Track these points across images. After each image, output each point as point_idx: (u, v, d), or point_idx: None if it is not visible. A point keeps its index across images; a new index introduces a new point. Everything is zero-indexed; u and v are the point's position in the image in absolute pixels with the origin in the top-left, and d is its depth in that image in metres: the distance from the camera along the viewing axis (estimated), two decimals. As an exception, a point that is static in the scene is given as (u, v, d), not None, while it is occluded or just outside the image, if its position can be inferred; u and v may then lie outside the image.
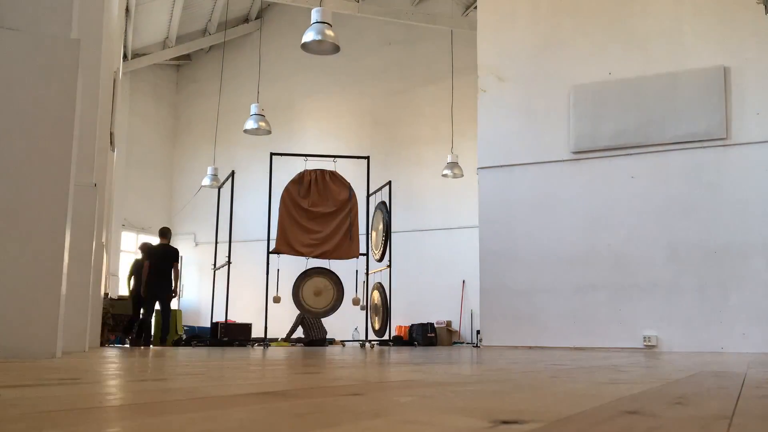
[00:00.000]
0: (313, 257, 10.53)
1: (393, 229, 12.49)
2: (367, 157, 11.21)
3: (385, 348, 10.87)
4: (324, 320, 11.75)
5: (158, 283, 10.77)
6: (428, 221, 16.66)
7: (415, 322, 15.68)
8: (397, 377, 2.48)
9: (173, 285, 10.94)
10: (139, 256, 11.97)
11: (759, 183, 9.54)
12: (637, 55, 10.45)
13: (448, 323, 16.14)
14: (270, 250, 10.42)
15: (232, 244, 11.32)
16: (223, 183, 12.62)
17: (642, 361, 4.76)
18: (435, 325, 15.70)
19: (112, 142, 10.17)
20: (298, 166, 11.07)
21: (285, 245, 10.34)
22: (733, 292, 9.44)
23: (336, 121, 18.37)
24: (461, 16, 16.70)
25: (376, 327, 11.89)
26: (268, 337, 10.41)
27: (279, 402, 1.44)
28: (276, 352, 7.05)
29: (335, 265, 10.95)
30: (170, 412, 1.25)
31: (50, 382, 1.97)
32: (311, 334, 12.25)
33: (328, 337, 14.62)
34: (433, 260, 16.38)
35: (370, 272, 11.20)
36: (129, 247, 18.66)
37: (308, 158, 10.97)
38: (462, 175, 14.59)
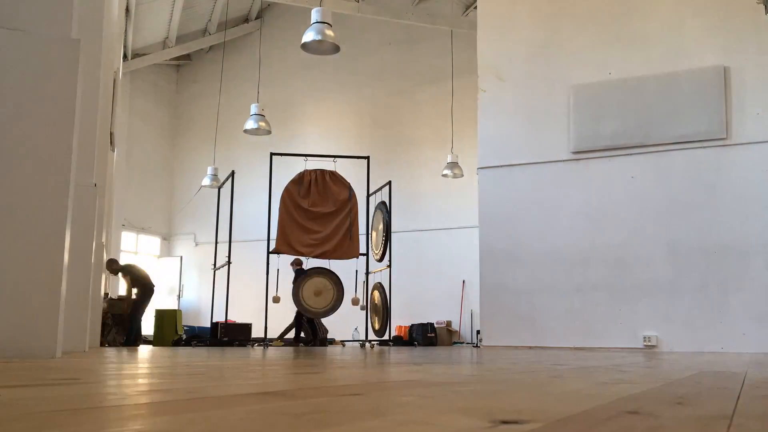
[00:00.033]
0: (313, 257, 10.53)
1: (393, 229, 12.49)
2: (367, 157, 11.21)
3: (385, 348, 10.87)
4: (324, 320, 11.75)
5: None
6: (428, 221, 16.66)
7: (415, 322, 15.68)
8: (397, 377, 2.48)
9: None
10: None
11: (759, 183, 9.54)
12: (637, 55, 10.45)
13: (448, 323, 16.14)
14: (270, 250, 10.42)
15: (232, 244, 11.32)
16: (223, 183, 12.62)
17: (642, 361, 4.76)
18: (435, 325, 15.70)
19: (112, 142, 10.17)
20: (298, 166, 11.07)
21: (285, 245, 10.34)
22: (733, 292, 9.44)
23: (336, 121, 18.37)
24: (461, 16, 16.70)
25: (376, 327, 11.89)
26: (268, 337, 10.41)
27: (279, 402, 1.44)
28: (276, 352, 7.05)
29: (335, 265, 10.95)
30: (170, 412, 1.25)
31: (50, 382, 1.97)
32: (319, 333, 12.22)
33: (328, 337, 14.62)
34: (433, 260, 16.38)
35: (370, 272, 11.20)
36: (129, 247, 18.67)
37: (308, 158, 10.97)
38: (462, 175, 14.59)
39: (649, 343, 9.73)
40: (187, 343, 11.93)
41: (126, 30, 15.67)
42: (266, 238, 10.71)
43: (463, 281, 15.90)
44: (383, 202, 11.88)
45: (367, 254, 11.04)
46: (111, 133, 9.64)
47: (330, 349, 10.05)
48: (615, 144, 10.36)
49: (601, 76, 10.60)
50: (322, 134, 18.32)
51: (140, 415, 1.19)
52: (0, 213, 4.03)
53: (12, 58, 4.21)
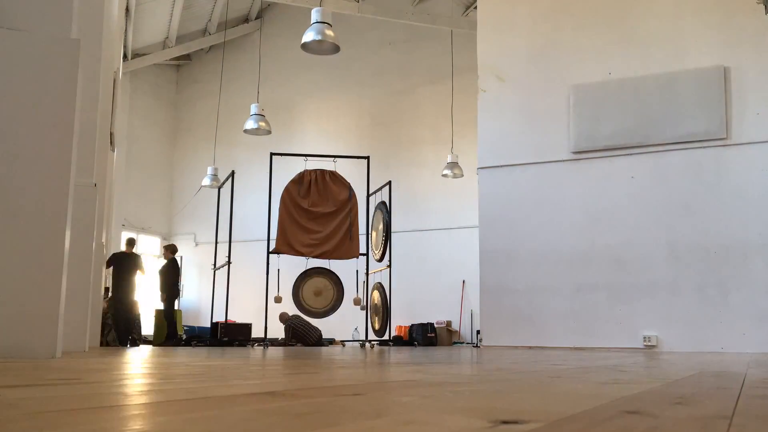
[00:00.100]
0: (313, 257, 10.53)
1: (393, 229, 12.49)
2: (367, 157, 11.21)
3: (385, 348, 10.87)
4: (324, 320, 11.73)
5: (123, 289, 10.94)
6: (428, 221, 16.65)
7: (415, 322, 15.68)
8: (398, 377, 2.48)
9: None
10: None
11: (759, 183, 9.54)
12: (637, 55, 10.45)
13: (448, 323, 16.14)
14: (270, 250, 10.42)
15: (232, 244, 11.32)
16: (223, 183, 12.62)
17: (642, 361, 4.76)
18: (435, 325, 15.70)
19: (112, 142, 10.17)
20: (298, 166, 11.06)
21: (285, 245, 10.34)
22: (733, 292, 9.44)
23: (336, 121, 18.36)
24: (461, 16, 16.70)
25: (376, 327, 11.89)
26: (268, 337, 10.41)
27: (279, 402, 1.44)
28: (276, 353, 7.06)
29: (335, 265, 10.94)
30: (170, 412, 1.25)
31: (50, 382, 1.97)
32: (307, 339, 12.20)
33: (328, 337, 14.60)
34: (433, 260, 16.38)
35: (370, 272, 11.20)
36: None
37: (308, 158, 10.97)
38: (462, 175, 14.59)
39: (649, 343, 9.73)
40: (187, 343, 11.93)
41: (126, 30, 15.67)
42: (266, 238, 10.70)
43: (463, 281, 15.90)
44: (383, 202, 11.88)
45: (367, 254, 11.04)
46: (111, 133, 9.65)
47: (330, 349, 10.05)
48: (615, 144, 10.36)
49: (601, 76, 10.60)
50: (322, 134, 18.32)
51: (140, 415, 1.19)
52: (0, 213, 4.03)
53: (12, 58, 4.21)
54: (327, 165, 10.91)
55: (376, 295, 11.93)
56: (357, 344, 12.91)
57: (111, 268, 11.01)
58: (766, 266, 9.33)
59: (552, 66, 10.97)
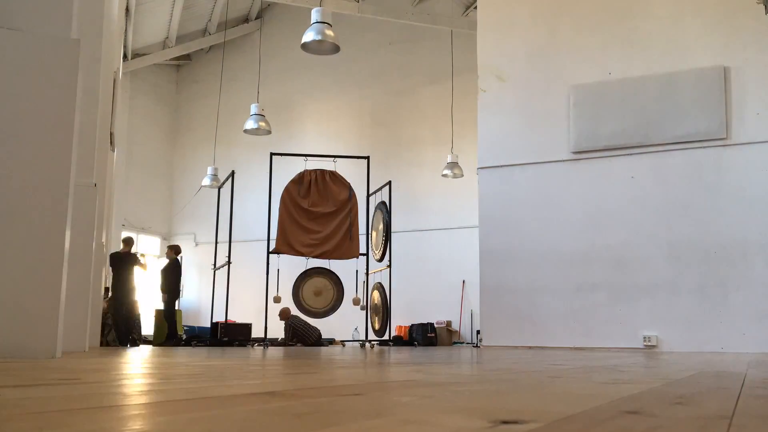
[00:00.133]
0: (313, 257, 10.53)
1: (393, 229, 12.49)
2: (367, 157, 11.20)
3: (385, 348, 10.86)
4: (324, 320, 11.73)
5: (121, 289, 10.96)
6: (428, 221, 16.65)
7: (415, 322, 15.68)
8: (397, 377, 2.48)
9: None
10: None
11: (759, 183, 9.54)
12: (637, 55, 10.45)
13: (448, 323, 16.14)
14: (270, 250, 10.42)
15: (232, 244, 11.32)
16: (223, 183, 12.62)
17: (642, 361, 4.76)
18: (435, 325, 15.70)
19: (112, 142, 10.17)
20: (298, 166, 11.06)
21: (285, 245, 10.34)
22: (733, 292, 9.44)
23: (336, 121, 18.36)
24: (461, 16, 16.70)
25: (376, 327, 11.89)
26: (268, 337, 10.40)
27: (279, 402, 1.44)
28: (276, 353, 7.06)
29: (335, 265, 10.94)
30: (170, 412, 1.25)
31: (50, 382, 1.97)
32: (306, 339, 12.20)
33: (328, 337, 14.59)
34: (433, 260, 16.38)
35: (370, 272, 11.20)
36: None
37: (308, 158, 10.97)
38: (462, 175, 14.59)
39: (649, 343, 9.73)
40: (187, 343, 11.93)
41: (126, 30, 15.67)
42: (266, 238, 10.70)
43: (463, 281, 15.90)
44: (383, 202, 11.88)
45: (367, 254, 11.04)
46: (111, 133, 9.65)
47: (330, 349, 10.05)
48: (615, 144, 10.36)
49: (601, 76, 10.60)
50: (322, 134, 18.32)
51: (140, 415, 1.19)
52: (0, 213, 4.03)
53: (12, 58, 4.21)
54: (327, 165, 10.91)
55: (376, 295, 11.93)
56: (357, 344, 12.90)
57: (110, 268, 11.02)
58: (766, 266, 9.33)
59: (552, 66, 10.97)
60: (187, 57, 20.17)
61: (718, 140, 9.82)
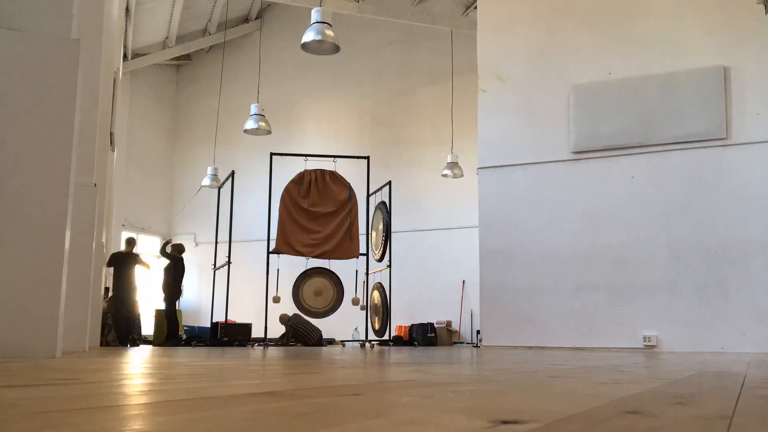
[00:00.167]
0: (313, 257, 10.53)
1: (393, 229, 12.49)
2: (367, 157, 11.20)
3: (385, 348, 10.86)
4: (324, 320, 11.73)
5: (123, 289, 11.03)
6: (428, 221, 16.65)
7: (415, 322, 15.68)
8: (398, 377, 2.48)
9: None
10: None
11: (759, 183, 9.54)
12: (637, 55, 10.45)
13: (448, 323, 16.14)
14: (270, 250, 10.42)
15: (232, 244, 11.32)
16: (223, 183, 12.62)
17: (642, 361, 4.76)
18: (435, 325, 15.69)
19: (112, 142, 10.17)
20: (298, 166, 11.06)
21: (285, 245, 10.34)
22: (733, 292, 9.44)
23: (336, 121, 18.36)
24: (461, 16, 16.70)
25: (376, 327, 11.89)
26: (268, 337, 10.40)
27: (279, 402, 1.44)
28: (276, 353, 7.06)
29: (335, 265, 10.94)
30: (170, 412, 1.25)
31: (50, 382, 1.97)
32: (307, 339, 12.17)
33: (328, 337, 14.57)
34: (433, 260, 16.38)
35: (370, 272, 11.20)
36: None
37: (308, 158, 10.97)
38: (462, 175, 14.59)
39: (649, 343, 9.73)
40: (187, 343, 11.93)
41: (126, 30, 15.67)
42: (266, 238, 10.70)
43: (463, 281, 15.90)
44: (383, 202, 11.88)
45: (367, 254, 11.04)
46: (111, 133, 9.65)
47: (330, 349, 10.05)
48: (615, 144, 10.36)
49: (601, 76, 10.60)
50: (322, 134, 18.32)
51: (140, 415, 1.19)
52: (0, 213, 4.03)
53: (12, 58, 4.21)
54: (327, 165, 10.91)
55: (376, 295, 11.93)
56: (357, 344, 12.90)
57: (111, 268, 11.03)
58: (766, 266, 9.33)
59: (552, 66, 10.97)
60: (187, 57, 20.17)
61: (718, 140, 9.82)
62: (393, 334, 14.82)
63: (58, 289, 4.04)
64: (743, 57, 9.85)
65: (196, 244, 19.48)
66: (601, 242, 10.24)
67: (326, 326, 13.03)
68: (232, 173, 11.82)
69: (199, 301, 18.81)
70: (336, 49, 9.03)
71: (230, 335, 11.49)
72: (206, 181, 15.27)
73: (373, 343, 11.81)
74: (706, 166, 9.85)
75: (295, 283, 11.06)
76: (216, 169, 15.42)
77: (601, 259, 10.20)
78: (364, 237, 11.34)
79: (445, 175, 14.70)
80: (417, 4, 17.01)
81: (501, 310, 10.69)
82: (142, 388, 1.85)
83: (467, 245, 14.25)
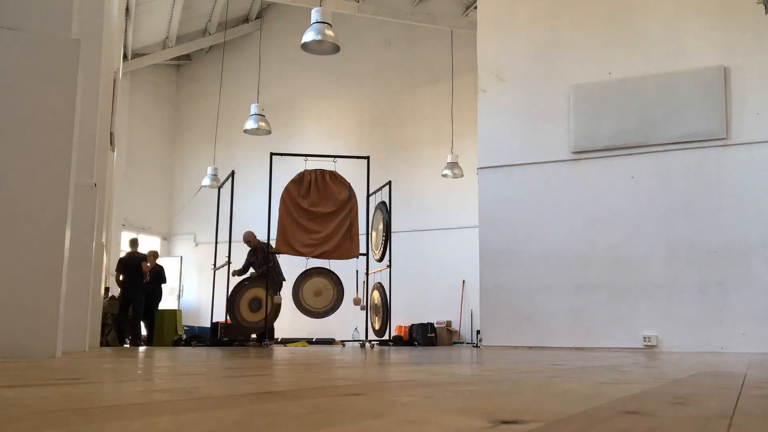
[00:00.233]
0: (313, 257, 10.52)
1: (393, 229, 12.48)
2: (367, 157, 11.20)
3: (385, 348, 10.86)
4: (324, 320, 11.71)
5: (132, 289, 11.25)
6: (428, 221, 16.65)
7: (415, 322, 15.67)
8: (398, 377, 2.48)
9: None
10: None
11: (759, 183, 9.54)
12: (637, 55, 10.45)
13: (448, 323, 16.14)
14: (270, 250, 10.41)
15: (232, 244, 11.32)
16: (223, 183, 12.62)
17: (642, 361, 4.76)
18: (435, 325, 15.69)
19: (112, 142, 10.17)
20: (298, 166, 11.06)
21: (285, 245, 10.33)
22: (733, 292, 9.44)
23: (336, 121, 18.37)
24: (461, 16, 16.70)
25: (376, 327, 11.88)
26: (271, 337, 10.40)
27: (279, 402, 1.44)
28: (275, 353, 7.06)
29: (335, 265, 10.93)
30: (170, 412, 1.25)
31: (50, 382, 1.97)
32: (274, 276, 11.11)
33: (328, 336, 14.59)
34: (433, 260, 16.38)
35: (370, 272, 11.19)
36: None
37: (308, 158, 10.97)
38: (462, 175, 14.59)
39: (649, 343, 9.73)
40: (187, 343, 11.93)
41: (126, 30, 15.67)
42: (266, 238, 10.71)
43: (463, 281, 15.90)
44: (383, 202, 11.88)
45: (367, 254, 11.04)
46: (111, 133, 9.64)
47: (330, 349, 10.04)
48: (615, 144, 10.36)
49: (601, 76, 10.60)
50: (322, 134, 18.32)
51: (140, 416, 1.19)
52: (0, 213, 4.02)
53: (12, 58, 4.21)
54: (327, 165, 10.90)
55: (376, 295, 11.93)
56: (357, 344, 12.90)
57: (121, 275, 11.20)
58: (766, 266, 9.33)
59: (552, 66, 10.97)
60: (187, 57, 20.17)
61: (718, 140, 9.82)
62: (393, 334, 14.82)
63: (58, 289, 4.04)
64: (743, 57, 9.85)
65: (196, 244, 19.48)
66: (601, 242, 10.24)
67: (326, 326, 13.04)
68: (232, 173, 11.83)
69: (199, 301, 18.82)
70: (336, 49, 9.03)
71: (230, 335, 11.49)
72: (206, 181, 15.27)
73: (373, 343, 11.80)
74: (706, 166, 9.85)
75: (294, 283, 11.06)
76: (216, 169, 15.42)
77: (601, 259, 10.20)
78: (364, 237, 11.34)
79: (445, 175, 14.70)
80: (417, 4, 17.01)
81: (501, 310, 10.69)
82: (142, 388, 1.85)
83: (467, 245, 14.25)
